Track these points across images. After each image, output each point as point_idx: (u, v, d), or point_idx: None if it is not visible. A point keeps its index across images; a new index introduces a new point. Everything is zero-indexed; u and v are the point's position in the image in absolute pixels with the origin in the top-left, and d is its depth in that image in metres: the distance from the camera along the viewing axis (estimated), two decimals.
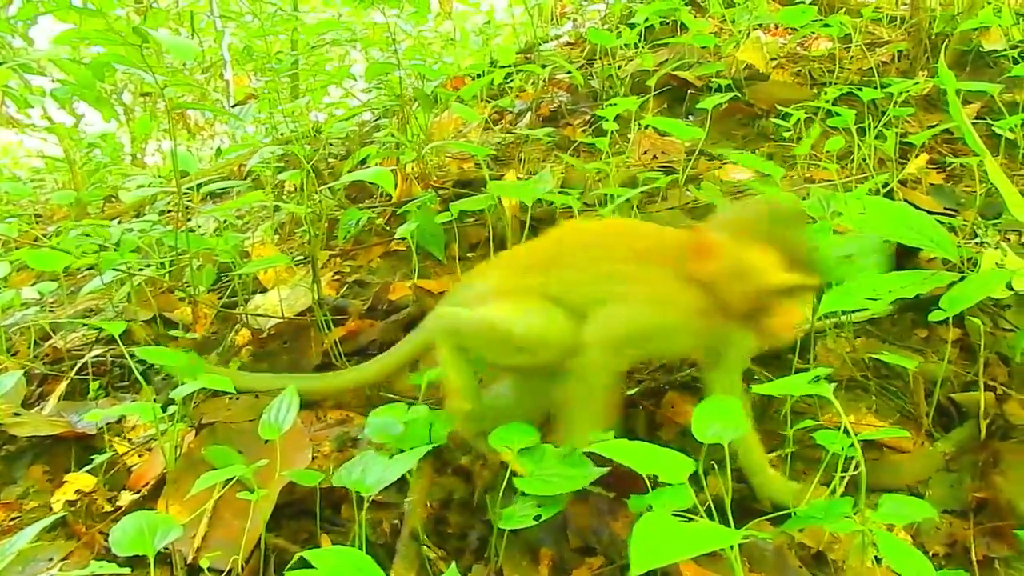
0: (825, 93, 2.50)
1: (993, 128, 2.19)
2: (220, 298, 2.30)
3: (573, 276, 1.46)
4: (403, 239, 2.20)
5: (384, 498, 1.39)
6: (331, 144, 3.61)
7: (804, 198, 1.88)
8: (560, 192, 2.15)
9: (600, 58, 3.56)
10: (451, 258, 2.30)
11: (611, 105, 2.32)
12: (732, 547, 0.96)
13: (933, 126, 2.35)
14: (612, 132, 2.50)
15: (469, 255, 2.35)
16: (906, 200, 2.02)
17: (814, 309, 1.50)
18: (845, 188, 2.07)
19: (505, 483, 1.27)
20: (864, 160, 2.29)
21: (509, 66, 4.03)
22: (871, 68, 2.95)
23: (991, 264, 1.43)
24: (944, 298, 1.40)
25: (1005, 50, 2.80)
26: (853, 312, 1.71)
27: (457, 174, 2.68)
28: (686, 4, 3.76)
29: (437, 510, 1.43)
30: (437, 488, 1.45)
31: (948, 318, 1.43)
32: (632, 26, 3.48)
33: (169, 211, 3.22)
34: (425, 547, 1.33)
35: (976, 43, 2.96)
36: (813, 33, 3.37)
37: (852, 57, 3.17)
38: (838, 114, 2.23)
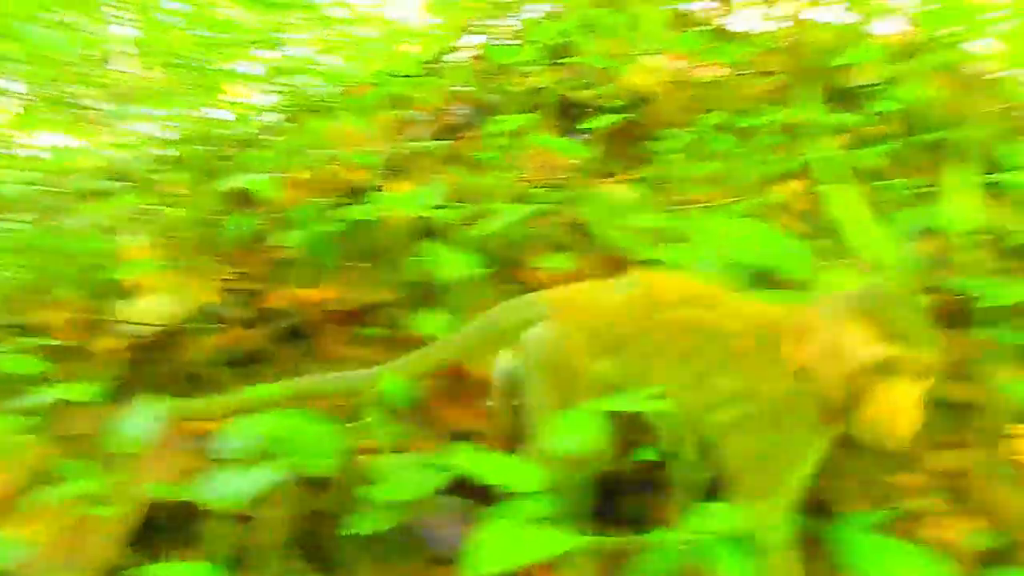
0: (705, 119, 2.61)
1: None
2: (92, 304, 2.22)
3: (660, 370, 1.32)
4: (290, 247, 2.19)
5: (244, 511, 1.38)
6: (230, 146, 3.54)
7: (675, 219, 1.96)
8: (448, 206, 2.18)
9: (501, 73, 3.60)
10: (339, 267, 2.30)
11: (501, 121, 2.37)
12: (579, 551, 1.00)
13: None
14: (505, 147, 2.54)
15: (357, 264, 2.35)
16: (773, 223, 2.13)
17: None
18: (716, 211, 2.17)
19: (360, 491, 1.28)
20: (741, 183, 2.40)
21: (411, 76, 4.05)
22: (757, 96, 3.10)
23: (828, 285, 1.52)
24: None
25: (875, 85, 2.98)
26: None
27: (349, 182, 2.67)
28: (585, 25, 3.85)
29: (297, 522, 1.43)
30: (297, 499, 1.45)
31: None
32: (533, 43, 3.55)
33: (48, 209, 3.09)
34: (283, 560, 1.32)
35: (847, 78, 3.13)
36: (706, 61, 3.50)
37: (738, 85, 3.30)
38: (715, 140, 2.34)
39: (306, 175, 2.69)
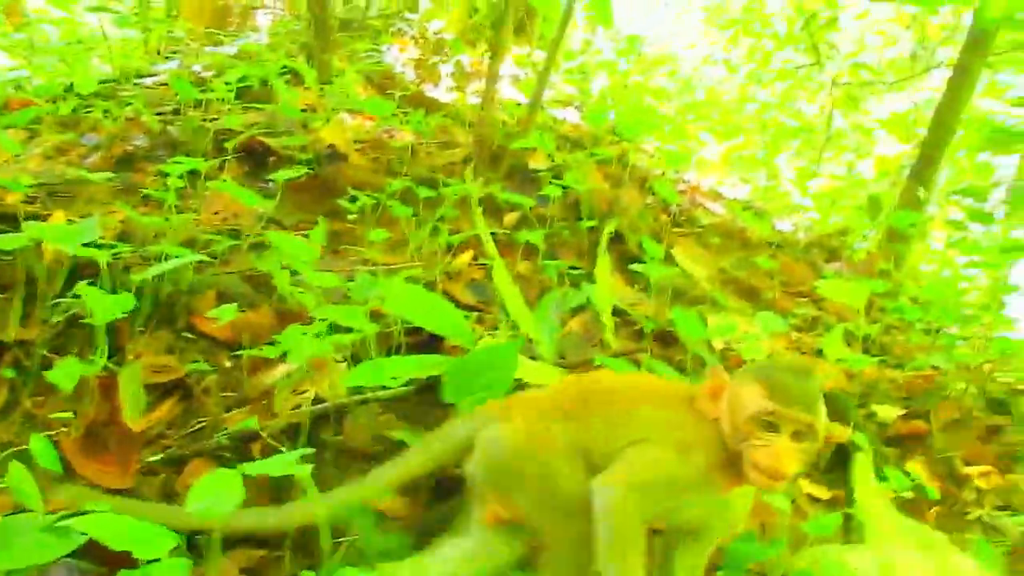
0: (391, 185, 2.72)
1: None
2: None
3: (600, 425, 1.46)
4: None
5: None
6: None
7: (351, 279, 2.02)
8: (111, 244, 2.04)
9: (191, 107, 3.46)
10: None
11: (177, 162, 2.27)
12: None
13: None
14: (186, 188, 2.43)
15: None
16: (444, 291, 2.27)
17: None
18: (394, 274, 2.26)
19: None
20: (419, 250, 2.52)
21: (88, 94, 3.74)
22: (442, 166, 3.28)
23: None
24: (445, 387, 1.59)
25: (546, 170, 3.31)
26: (380, 390, 1.84)
27: None
28: (286, 72, 3.84)
29: None
30: None
31: None
32: (227, 83, 3.46)
33: None
34: None
35: (525, 160, 3.45)
36: (398, 126, 3.65)
37: (427, 153, 3.48)
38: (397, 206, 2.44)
39: None
